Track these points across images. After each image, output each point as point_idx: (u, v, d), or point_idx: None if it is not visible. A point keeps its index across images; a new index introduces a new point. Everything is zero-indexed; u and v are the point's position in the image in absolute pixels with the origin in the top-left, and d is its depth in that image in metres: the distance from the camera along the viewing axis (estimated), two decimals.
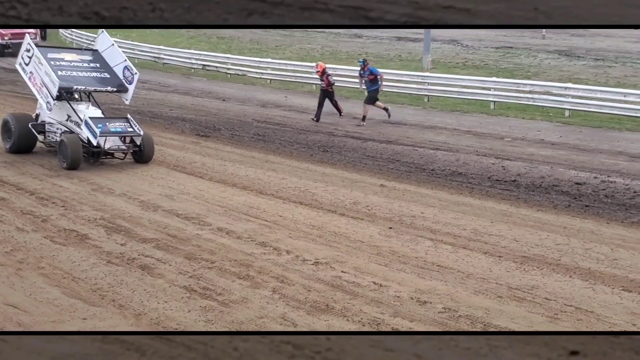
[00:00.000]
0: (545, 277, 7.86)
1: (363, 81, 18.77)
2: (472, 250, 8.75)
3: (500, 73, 24.42)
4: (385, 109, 18.44)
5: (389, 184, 12.20)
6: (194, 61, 28.39)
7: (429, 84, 22.02)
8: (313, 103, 21.09)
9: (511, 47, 31.31)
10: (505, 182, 12.46)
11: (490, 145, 15.54)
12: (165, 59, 29.38)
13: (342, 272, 7.90)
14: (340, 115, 18.75)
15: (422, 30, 27.91)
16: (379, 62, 27.48)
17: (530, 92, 20.12)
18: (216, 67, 27.61)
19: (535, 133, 17.03)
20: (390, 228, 9.64)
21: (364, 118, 18.04)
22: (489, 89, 20.81)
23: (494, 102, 20.51)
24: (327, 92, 18.64)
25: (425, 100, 21.70)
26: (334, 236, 9.24)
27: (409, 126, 17.81)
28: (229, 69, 27.02)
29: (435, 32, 30.85)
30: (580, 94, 19.30)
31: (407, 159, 14.13)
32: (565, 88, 19.66)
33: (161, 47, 30.35)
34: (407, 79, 22.64)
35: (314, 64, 25.34)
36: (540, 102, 19.86)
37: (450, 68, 26.14)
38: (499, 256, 8.53)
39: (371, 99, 18.37)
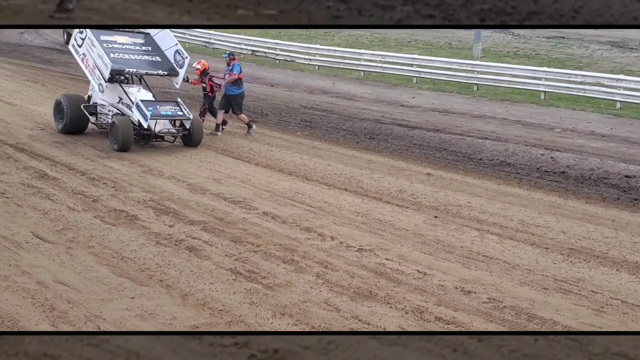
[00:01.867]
0: (592, 270, 7.74)
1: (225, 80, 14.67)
2: (518, 241, 8.66)
3: (552, 63, 23.99)
4: (224, 124, 14.71)
5: (436, 172, 12.13)
6: (243, 46, 28.54)
7: (479, 72, 21.75)
8: (361, 90, 21.06)
9: (563, 37, 30.66)
10: (554, 173, 12.27)
11: (539, 136, 15.31)
12: (215, 43, 29.61)
13: (386, 259, 7.91)
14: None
15: None
16: (428, 50, 27.26)
17: (581, 83, 19.73)
18: (265, 52, 27.72)
19: (586, 124, 16.71)
20: (436, 217, 9.60)
21: (250, 126, 14.71)
22: (539, 78, 20.47)
23: (545, 92, 20.17)
24: (207, 97, 14.71)
25: (475, 88, 21.45)
26: (379, 224, 9.25)
27: (457, 115, 17.64)
28: (277, 54, 27.09)
29: None
30: (632, 86, 18.85)
31: (454, 148, 14.02)
32: (617, 80, 19.23)
33: (211, 32, 30.57)
34: (457, 67, 22.41)
35: (361, 51, 25.27)
36: (592, 94, 19.47)
37: (501, 57, 25.76)
38: (546, 248, 8.43)
39: (238, 107, 14.56)
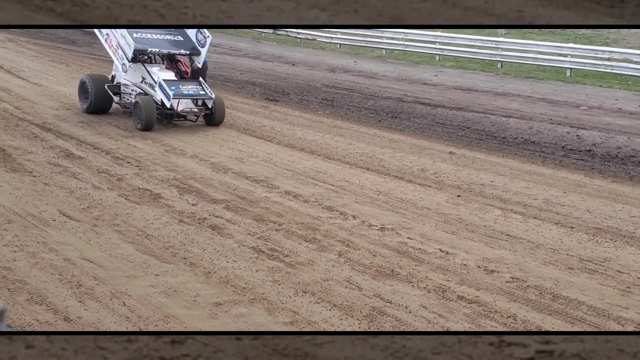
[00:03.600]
0: (619, 250, 7.67)
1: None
2: (543, 220, 8.60)
3: (578, 39, 23.64)
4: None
5: (459, 151, 12.06)
6: None
7: (502, 49, 21.52)
8: (383, 68, 20.97)
9: None
10: (580, 151, 12.14)
11: (565, 114, 15.13)
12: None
13: (408, 238, 7.90)
14: None
15: None
16: None
17: (608, 59, 19.44)
18: (286, 31, 27.61)
19: (613, 102, 16.49)
20: (459, 196, 9.56)
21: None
22: (565, 55, 20.20)
23: (571, 69, 19.91)
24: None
25: (499, 66, 21.23)
26: (401, 202, 9.23)
27: (480, 92, 17.49)
28: (299, 33, 26.98)
29: None
30: None
31: (477, 126, 13.91)
32: None
33: None
34: (480, 44, 22.18)
35: (383, 29, 25.06)
36: (619, 70, 19.19)
37: (525, 33, 25.43)
38: (571, 227, 8.36)
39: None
